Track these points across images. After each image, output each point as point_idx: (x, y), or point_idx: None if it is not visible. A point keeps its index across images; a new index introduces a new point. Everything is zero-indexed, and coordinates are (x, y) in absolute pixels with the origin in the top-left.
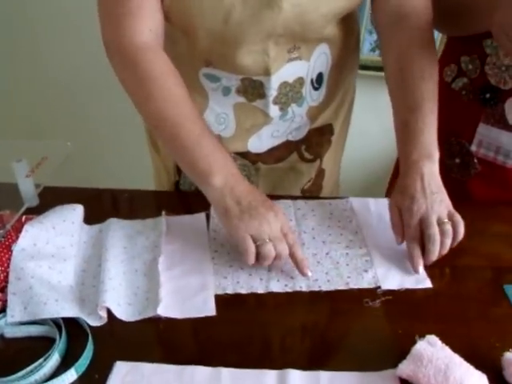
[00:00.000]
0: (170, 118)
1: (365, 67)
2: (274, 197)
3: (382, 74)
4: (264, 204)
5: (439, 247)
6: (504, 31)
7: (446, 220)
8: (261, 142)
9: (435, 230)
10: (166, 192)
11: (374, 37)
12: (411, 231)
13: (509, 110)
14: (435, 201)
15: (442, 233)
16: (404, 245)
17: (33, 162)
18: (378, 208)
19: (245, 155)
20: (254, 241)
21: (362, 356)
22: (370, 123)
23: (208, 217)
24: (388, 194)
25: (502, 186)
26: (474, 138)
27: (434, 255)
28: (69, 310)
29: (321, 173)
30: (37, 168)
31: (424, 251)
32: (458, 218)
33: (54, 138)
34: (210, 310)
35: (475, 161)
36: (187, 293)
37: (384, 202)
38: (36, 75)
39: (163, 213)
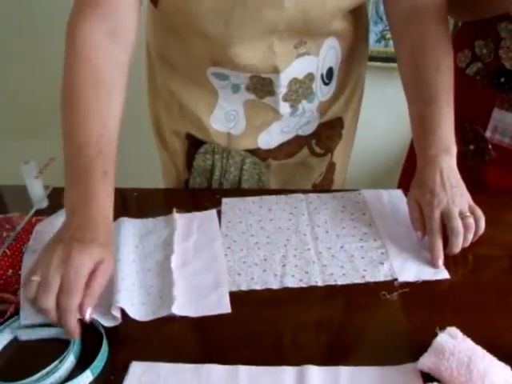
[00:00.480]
0: (69, 123)
1: (371, 58)
2: (285, 191)
3: (389, 64)
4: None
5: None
6: None
7: (468, 213)
8: (271, 137)
9: (458, 223)
10: (176, 190)
11: (380, 27)
12: (433, 224)
13: None
14: (456, 194)
15: (465, 226)
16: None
17: (41, 163)
18: (391, 200)
19: (255, 152)
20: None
21: (381, 350)
22: (377, 114)
23: (219, 213)
24: (400, 186)
25: None
26: (488, 123)
27: (458, 247)
28: None
29: (332, 167)
30: (45, 169)
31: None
32: (479, 212)
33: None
34: (224, 307)
35: (489, 147)
36: (201, 291)
37: (397, 194)
38: (41, 74)
39: (174, 210)
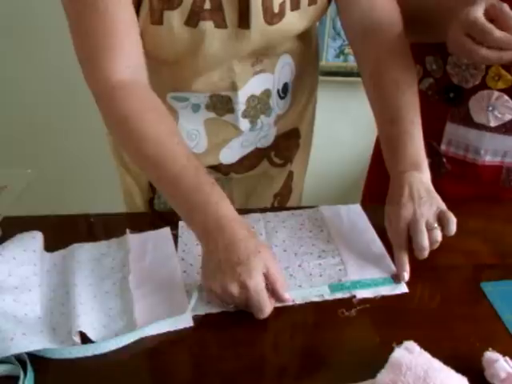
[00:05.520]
0: (149, 158)
1: (330, 73)
2: (243, 211)
3: (348, 79)
4: (244, 261)
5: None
6: (464, 28)
7: (436, 225)
8: (232, 152)
9: (423, 238)
10: (134, 214)
11: (338, 43)
12: (398, 238)
13: (473, 108)
14: (424, 204)
15: (430, 239)
16: (377, 251)
17: None
18: (350, 215)
19: (217, 168)
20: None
21: (341, 368)
22: (339, 128)
23: (176, 237)
24: (364, 198)
25: (475, 183)
26: (443, 137)
27: (421, 258)
28: (38, 343)
29: (290, 175)
30: None
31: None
32: (451, 216)
33: (13, 165)
34: (187, 321)
35: (444, 160)
36: (162, 308)
37: (355, 209)
38: None
39: (127, 231)
